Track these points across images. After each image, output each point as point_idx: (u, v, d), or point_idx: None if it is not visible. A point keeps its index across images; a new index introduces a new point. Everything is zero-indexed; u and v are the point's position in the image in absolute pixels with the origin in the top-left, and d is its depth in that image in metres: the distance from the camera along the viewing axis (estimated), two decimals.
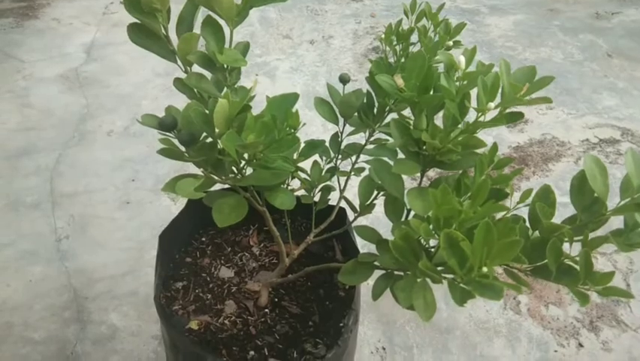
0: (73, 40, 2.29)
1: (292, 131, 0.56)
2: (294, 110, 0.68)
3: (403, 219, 0.70)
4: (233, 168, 0.67)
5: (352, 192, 0.85)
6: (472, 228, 0.53)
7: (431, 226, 0.57)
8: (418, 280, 0.57)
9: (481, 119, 0.57)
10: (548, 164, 1.73)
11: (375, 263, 0.69)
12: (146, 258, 1.33)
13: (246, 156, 0.61)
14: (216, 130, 0.60)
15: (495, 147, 0.62)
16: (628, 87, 2.15)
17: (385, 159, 0.71)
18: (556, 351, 1.19)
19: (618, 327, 1.24)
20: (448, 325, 1.24)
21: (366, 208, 0.77)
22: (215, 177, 0.65)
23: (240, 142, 0.54)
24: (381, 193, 0.77)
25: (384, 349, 1.18)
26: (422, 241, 0.60)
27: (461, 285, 0.51)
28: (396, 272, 0.66)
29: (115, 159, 1.65)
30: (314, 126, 1.78)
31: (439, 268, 0.55)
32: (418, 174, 0.69)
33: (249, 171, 0.69)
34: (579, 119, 1.95)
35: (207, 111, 0.61)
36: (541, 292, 1.32)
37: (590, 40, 2.46)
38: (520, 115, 0.58)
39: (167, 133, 0.66)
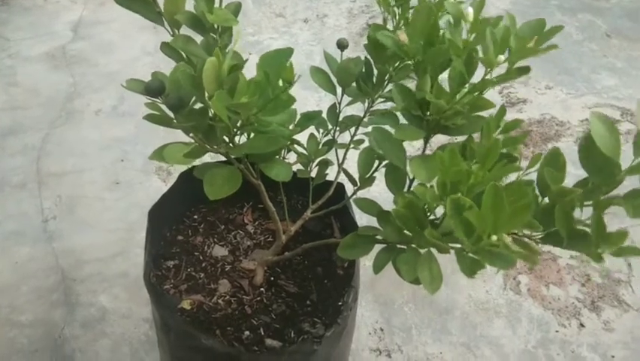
0: (60, 18, 2.22)
1: (287, 85, 0.52)
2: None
3: (405, 190, 0.66)
4: (226, 138, 0.63)
5: (351, 167, 0.81)
6: (480, 194, 0.49)
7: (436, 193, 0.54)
8: (423, 251, 0.54)
9: (488, 76, 0.54)
10: (548, 144, 1.70)
11: (377, 237, 0.65)
12: (136, 239, 1.29)
13: (238, 121, 0.57)
14: (206, 94, 0.56)
15: (503, 109, 0.58)
16: (627, 67, 2.11)
17: (386, 127, 0.67)
18: (557, 331, 1.17)
19: (620, 307, 1.22)
20: (447, 305, 1.21)
21: (366, 181, 0.73)
22: (207, 146, 0.61)
23: (231, 102, 0.49)
24: (382, 164, 0.74)
25: (382, 330, 1.16)
26: (427, 210, 0.56)
27: (469, 255, 0.48)
28: (398, 246, 0.62)
29: (103, 139, 1.60)
30: (308, 106, 1.73)
31: (446, 238, 0.51)
32: (421, 144, 0.65)
33: (242, 140, 0.65)
34: (578, 99, 1.92)
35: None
36: (541, 272, 1.29)
37: (588, 20, 2.42)
38: (527, 69, 0.54)
39: (155, 99, 0.61)
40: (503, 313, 1.20)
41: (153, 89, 0.61)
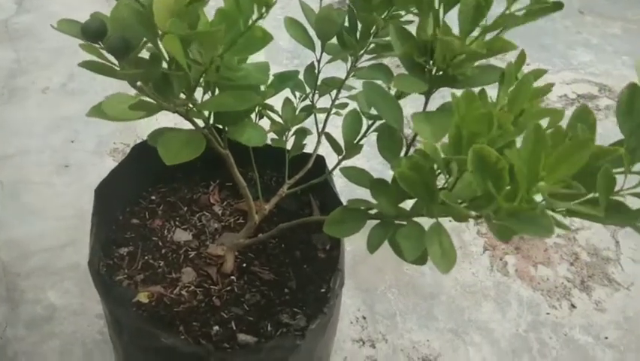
0: None
1: (263, 11, 0.41)
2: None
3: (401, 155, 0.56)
4: (184, 94, 0.52)
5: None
6: (502, 148, 0.40)
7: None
8: (433, 221, 0.44)
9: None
10: None
11: (370, 211, 0.55)
12: (88, 227, 1.15)
13: (200, 70, 0.46)
14: (159, 32, 0.45)
15: (523, 55, 0.49)
16: (602, 43, 2.08)
17: (379, 82, 0.57)
18: (548, 313, 1.11)
19: (610, 286, 1.17)
20: (432, 290, 1.13)
21: (353, 148, 0.63)
22: (161, 103, 0.50)
23: (189, 32, 0.38)
24: (372, 128, 0.63)
25: (364, 318, 1.06)
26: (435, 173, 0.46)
27: (495, 221, 0.38)
28: (396, 221, 0.53)
29: (51, 119, 1.45)
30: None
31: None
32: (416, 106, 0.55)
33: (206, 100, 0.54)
34: (556, 74, 1.87)
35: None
36: (528, 251, 1.23)
37: None
38: (561, 5, 0.45)
39: (94, 44, 0.49)
40: (491, 296, 1.13)
41: (92, 30, 0.49)
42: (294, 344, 0.58)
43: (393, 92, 0.59)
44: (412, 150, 0.57)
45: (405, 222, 0.52)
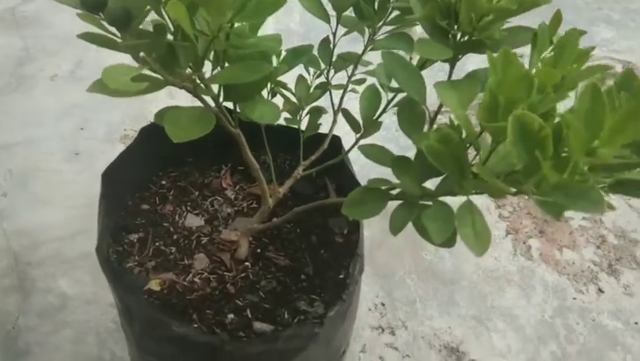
0: None
1: None
2: None
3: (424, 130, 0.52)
4: (191, 68, 0.48)
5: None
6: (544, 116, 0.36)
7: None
8: (464, 199, 0.40)
9: None
10: None
11: (391, 191, 0.52)
12: None
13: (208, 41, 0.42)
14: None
15: (559, 15, 0.44)
16: (624, 19, 2.00)
17: (400, 52, 0.53)
18: (575, 298, 1.07)
19: (639, 269, 1.12)
20: (453, 276, 1.09)
21: (372, 125, 0.59)
22: (166, 77, 0.46)
23: None
24: (392, 103, 0.59)
25: (383, 305, 1.03)
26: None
27: (538, 196, 0.34)
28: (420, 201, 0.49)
29: (60, 106, 1.42)
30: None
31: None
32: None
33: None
34: None
35: None
36: (552, 235, 1.18)
37: None
38: None
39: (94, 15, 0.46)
40: (515, 281, 1.09)
41: (92, 0, 0.45)
42: (312, 332, 0.55)
43: (414, 62, 0.55)
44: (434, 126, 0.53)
45: (429, 203, 0.49)
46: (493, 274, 1.10)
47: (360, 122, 0.61)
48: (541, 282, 1.09)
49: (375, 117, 0.59)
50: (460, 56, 0.48)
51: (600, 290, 1.08)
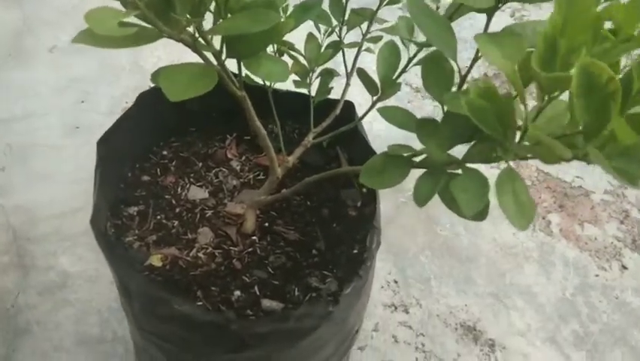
0: None
1: None
2: None
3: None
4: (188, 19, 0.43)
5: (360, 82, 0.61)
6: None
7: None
8: (504, 165, 0.35)
9: None
10: None
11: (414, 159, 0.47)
12: None
13: None
14: None
15: None
16: None
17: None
18: (597, 276, 1.02)
19: None
20: (469, 253, 1.04)
21: (391, 86, 0.53)
22: (161, 27, 0.41)
23: None
24: (414, 61, 0.54)
25: (396, 282, 0.99)
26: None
27: (606, 160, 0.29)
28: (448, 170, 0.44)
29: (60, 79, 1.37)
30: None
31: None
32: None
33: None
34: None
35: None
36: (573, 209, 1.13)
37: None
38: None
39: None
40: (534, 257, 1.04)
41: None
42: (326, 311, 0.51)
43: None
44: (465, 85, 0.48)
45: (457, 171, 0.44)
46: (511, 251, 1.05)
47: (378, 83, 0.55)
48: (562, 258, 1.04)
49: (394, 77, 0.53)
50: (500, 5, 0.42)
51: (624, 267, 1.03)
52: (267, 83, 0.66)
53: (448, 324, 0.93)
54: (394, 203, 1.11)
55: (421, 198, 0.42)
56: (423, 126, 0.44)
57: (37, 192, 1.10)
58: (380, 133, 1.22)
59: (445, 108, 0.45)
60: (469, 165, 0.43)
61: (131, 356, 0.85)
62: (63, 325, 0.89)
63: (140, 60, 1.42)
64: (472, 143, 0.44)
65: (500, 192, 0.35)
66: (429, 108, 1.31)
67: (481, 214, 0.41)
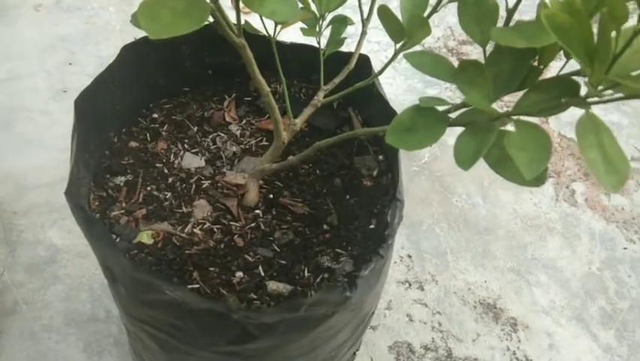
0: None
1: None
2: None
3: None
4: None
5: (374, 34, 0.52)
6: None
7: None
8: (591, 105, 0.27)
9: None
10: None
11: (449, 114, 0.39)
12: None
13: None
14: None
15: None
16: None
17: None
18: (625, 248, 0.95)
19: None
20: (487, 224, 0.97)
21: (419, 27, 0.44)
22: None
23: None
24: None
25: (409, 257, 0.92)
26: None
27: None
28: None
29: (45, 39, 1.28)
30: None
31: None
32: None
33: None
34: None
35: None
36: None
37: None
38: None
39: None
40: (558, 229, 0.97)
41: None
42: (342, 296, 0.43)
43: None
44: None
45: (506, 128, 0.36)
46: (533, 222, 0.98)
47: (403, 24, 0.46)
48: (587, 230, 0.97)
49: (426, 14, 0.44)
50: None
51: None
52: (270, 32, 0.58)
53: (466, 302, 0.87)
54: (406, 172, 1.03)
55: (464, 159, 0.34)
56: (464, 71, 0.35)
57: (23, 160, 1.02)
58: (391, 97, 1.13)
59: (490, 50, 0.36)
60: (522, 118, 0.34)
61: (126, 336, 0.79)
62: (52, 303, 0.83)
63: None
64: (525, 91, 0.36)
65: (584, 144, 0.27)
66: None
67: (540, 178, 0.33)
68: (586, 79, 0.34)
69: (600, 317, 0.86)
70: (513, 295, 0.88)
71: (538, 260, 0.93)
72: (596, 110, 0.31)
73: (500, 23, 0.39)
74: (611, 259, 0.93)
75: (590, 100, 0.30)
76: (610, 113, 1.17)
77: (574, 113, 0.33)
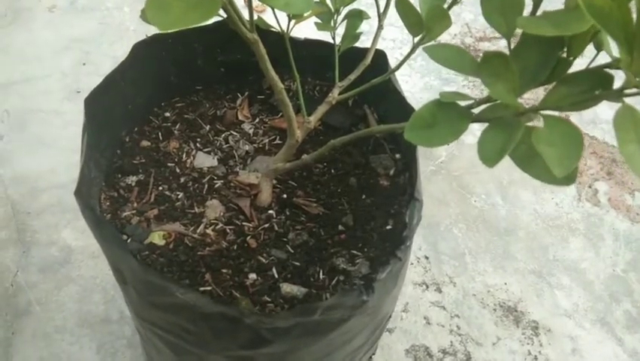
0: None
1: None
2: None
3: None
4: None
5: (390, 29, 0.50)
6: None
7: None
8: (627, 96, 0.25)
9: None
10: None
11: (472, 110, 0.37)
12: None
13: None
14: None
15: None
16: None
17: None
18: None
19: None
20: (507, 225, 0.95)
21: (439, 19, 0.42)
22: None
23: None
24: None
25: (427, 258, 0.90)
26: None
27: None
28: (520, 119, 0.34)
29: (60, 40, 1.28)
30: None
31: None
32: None
33: None
34: None
35: None
36: (622, 177, 1.02)
37: None
38: None
39: None
40: (580, 230, 0.94)
41: None
42: (359, 300, 0.42)
43: None
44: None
45: (532, 124, 0.34)
46: (554, 223, 0.95)
47: (422, 15, 0.44)
48: (611, 231, 0.94)
49: (446, 5, 0.43)
50: None
51: None
52: (283, 28, 0.56)
53: (486, 304, 0.84)
54: (423, 171, 1.01)
55: (490, 156, 0.32)
56: (488, 64, 0.33)
57: (37, 161, 1.02)
58: (406, 94, 1.11)
59: (518, 41, 0.34)
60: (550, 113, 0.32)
61: (139, 338, 0.78)
62: (66, 304, 0.82)
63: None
64: (553, 84, 0.34)
65: (623, 139, 0.25)
66: None
67: (570, 176, 0.31)
68: (618, 72, 0.31)
69: (626, 320, 0.83)
70: (534, 297, 0.85)
71: (560, 262, 0.90)
72: (614, 105, 0.29)
73: (526, 14, 0.37)
74: (637, 260, 0.90)
75: (626, 92, 0.28)
76: None
77: (596, 110, 0.31)
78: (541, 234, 0.93)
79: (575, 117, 1.11)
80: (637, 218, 0.96)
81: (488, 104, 0.36)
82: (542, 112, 0.33)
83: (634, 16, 0.25)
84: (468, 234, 0.93)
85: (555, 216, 0.96)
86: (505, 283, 0.87)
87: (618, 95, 0.29)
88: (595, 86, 0.32)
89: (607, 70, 0.33)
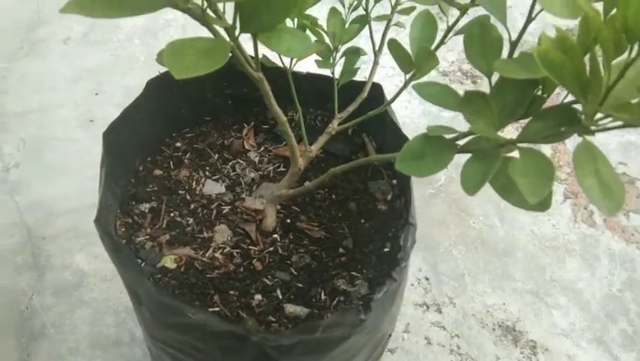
0: None
1: None
2: None
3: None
4: None
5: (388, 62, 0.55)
6: None
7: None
8: (588, 134, 0.29)
9: None
10: None
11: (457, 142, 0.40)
12: None
13: None
14: None
15: None
16: None
17: None
18: None
19: None
20: (505, 246, 0.97)
21: (428, 59, 0.46)
22: None
23: None
24: (451, 33, 0.47)
25: (427, 279, 0.93)
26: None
27: None
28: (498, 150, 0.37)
29: (74, 71, 1.34)
30: None
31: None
32: None
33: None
34: None
35: None
36: None
37: None
38: None
39: None
40: (577, 251, 0.97)
41: None
42: (357, 319, 0.45)
43: None
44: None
45: (510, 155, 0.37)
46: (551, 244, 0.97)
47: (412, 56, 0.49)
48: (607, 252, 0.96)
49: (433, 47, 0.47)
50: None
51: None
52: (286, 65, 0.61)
53: (485, 324, 0.87)
54: (422, 195, 1.05)
55: (470, 185, 0.35)
56: (469, 102, 0.37)
57: (52, 188, 1.06)
58: (406, 120, 1.15)
59: (494, 81, 0.38)
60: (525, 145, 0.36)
61: (150, 359, 0.81)
62: (79, 327, 0.86)
63: (155, 50, 1.37)
64: (529, 120, 0.38)
65: (581, 172, 0.29)
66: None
67: (544, 203, 0.34)
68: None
69: (622, 339, 0.85)
70: (532, 317, 0.88)
71: (557, 282, 0.92)
72: (613, 132, 0.33)
73: (505, 54, 0.41)
74: (632, 280, 0.92)
75: (591, 128, 0.31)
76: (628, 134, 1.17)
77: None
78: (539, 255, 0.96)
79: (569, 139, 1.14)
80: (632, 238, 0.98)
81: (472, 137, 0.40)
82: (519, 145, 0.37)
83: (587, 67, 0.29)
84: (467, 255, 0.96)
85: (552, 238, 0.98)
86: (504, 303, 0.89)
87: (582, 131, 0.32)
88: (564, 121, 0.35)
89: (575, 106, 0.36)
